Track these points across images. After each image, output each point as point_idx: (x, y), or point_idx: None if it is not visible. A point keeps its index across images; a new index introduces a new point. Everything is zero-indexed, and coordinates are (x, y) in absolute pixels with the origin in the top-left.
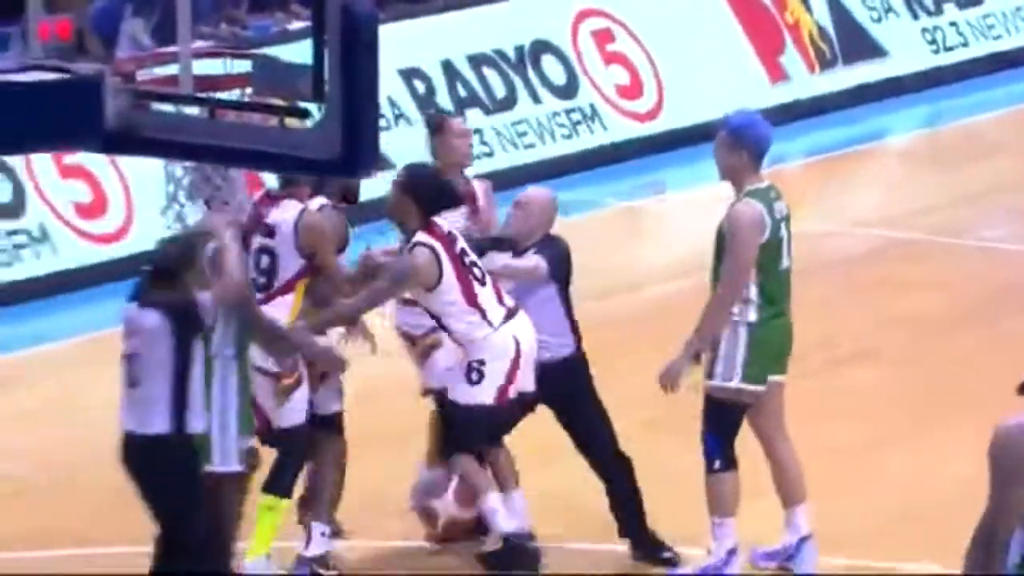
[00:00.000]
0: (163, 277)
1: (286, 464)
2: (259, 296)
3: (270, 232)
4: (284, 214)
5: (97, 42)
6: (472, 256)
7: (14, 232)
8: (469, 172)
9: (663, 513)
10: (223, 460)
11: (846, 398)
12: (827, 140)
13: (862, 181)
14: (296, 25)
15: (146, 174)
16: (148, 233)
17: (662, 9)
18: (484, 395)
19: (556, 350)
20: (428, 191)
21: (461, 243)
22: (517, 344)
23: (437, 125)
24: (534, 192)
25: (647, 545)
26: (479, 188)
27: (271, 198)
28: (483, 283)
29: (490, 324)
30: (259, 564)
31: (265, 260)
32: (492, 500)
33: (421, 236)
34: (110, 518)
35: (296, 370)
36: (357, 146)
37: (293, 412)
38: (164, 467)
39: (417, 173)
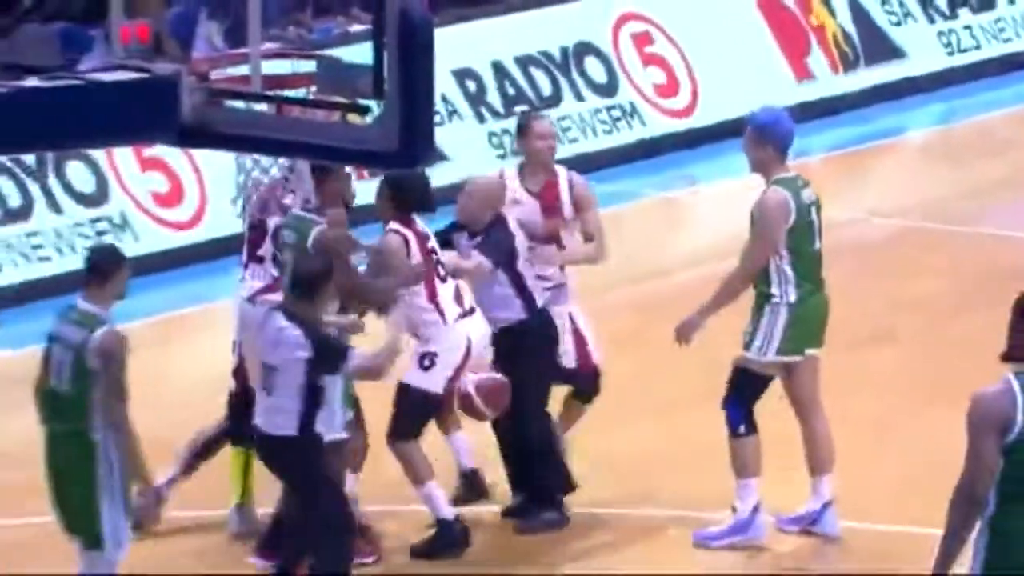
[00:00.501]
0: (305, 292)
1: None
2: (270, 282)
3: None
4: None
5: (174, 44)
6: (439, 257)
7: (97, 219)
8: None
9: (688, 480)
10: (329, 429)
11: (864, 375)
12: (848, 135)
13: (880, 174)
14: (357, 28)
15: (219, 166)
16: (220, 221)
17: (697, 14)
18: (432, 383)
19: (504, 322)
20: (406, 192)
21: (433, 243)
22: (468, 342)
23: (522, 126)
24: (479, 178)
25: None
26: (565, 181)
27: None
28: (444, 281)
29: (444, 319)
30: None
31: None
32: (430, 487)
33: (395, 225)
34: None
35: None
36: (413, 140)
37: None
38: (290, 463)
39: (399, 175)
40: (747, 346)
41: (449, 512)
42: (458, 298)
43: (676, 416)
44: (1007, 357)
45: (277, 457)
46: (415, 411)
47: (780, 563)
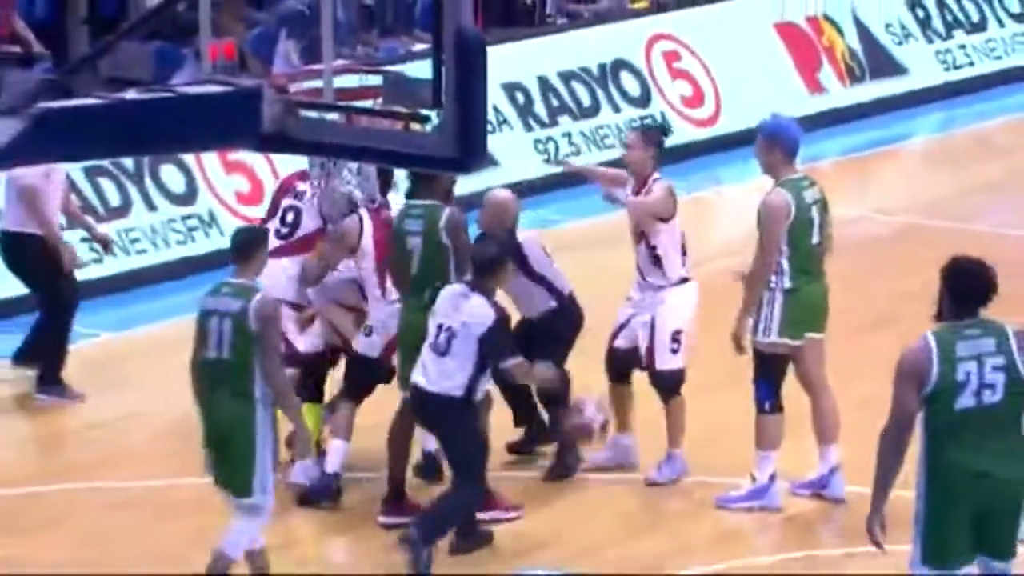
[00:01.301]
0: (487, 273)
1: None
2: (280, 243)
3: (298, 196)
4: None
5: (256, 61)
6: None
7: (188, 217)
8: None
9: (711, 453)
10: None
11: (868, 358)
12: (856, 142)
13: (885, 176)
14: (418, 47)
15: (294, 168)
16: None
17: (720, 34)
18: (374, 350)
19: (541, 312)
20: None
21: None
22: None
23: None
24: (494, 192)
25: None
26: (657, 187)
27: (301, 175)
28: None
29: (385, 296)
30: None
31: (291, 216)
32: (336, 444)
33: (362, 211)
34: None
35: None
36: (468, 147)
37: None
38: (450, 421)
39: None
40: (754, 330)
41: (336, 468)
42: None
43: (701, 399)
44: (937, 318)
45: (438, 414)
46: (359, 375)
47: (793, 522)
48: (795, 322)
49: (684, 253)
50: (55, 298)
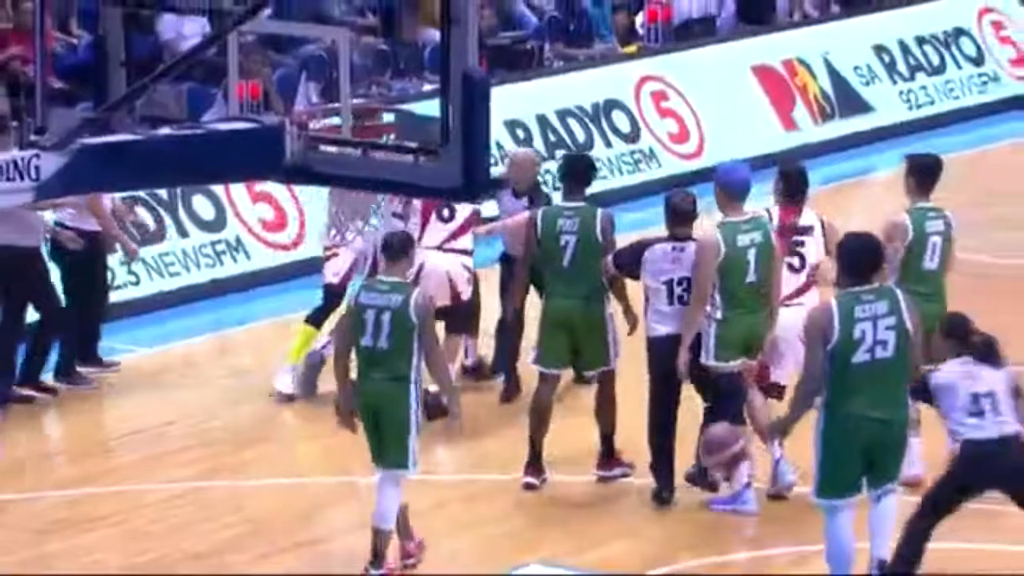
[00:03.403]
0: (688, 219)
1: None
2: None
3: None
4: None
5: (280, 100)
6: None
7: (217, 242)
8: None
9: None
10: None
11: None
12: (828, 174)
13: (855, 205)
14: (428, 87)
15: (316, 198)
16: (316, 244)
17: (703, 76)
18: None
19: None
20: None
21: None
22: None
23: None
24: (517, 150)
25: None
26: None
27: None
28: None
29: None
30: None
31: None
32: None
33: None
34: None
35: None
36: (473, 178)
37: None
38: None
39: None
40: (698, 354)
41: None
42: None
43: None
44: (836, 286)
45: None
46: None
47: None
48: (724, 348)
49: None
50: (52, 306)
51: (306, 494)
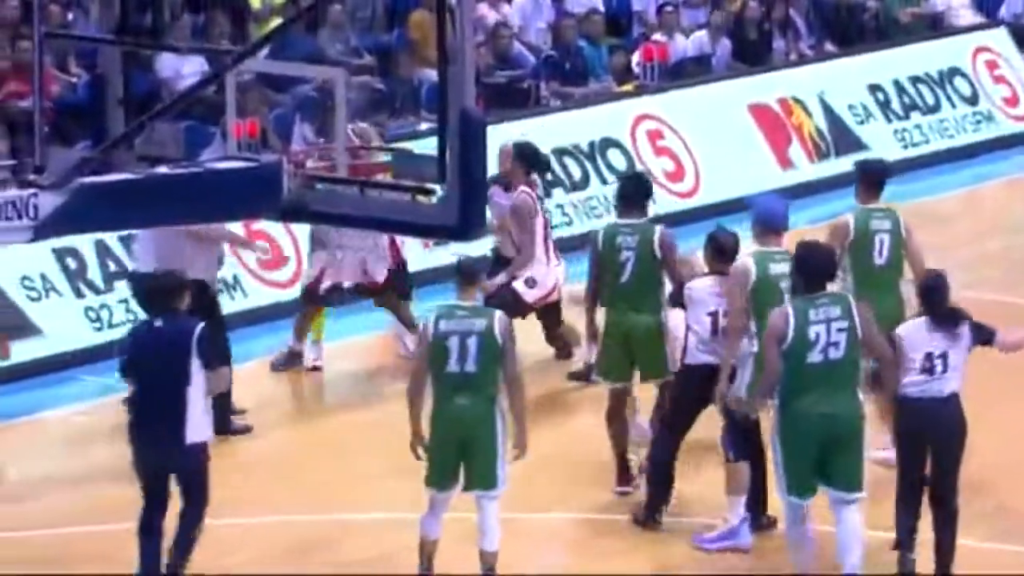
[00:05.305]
0: (726, 258)
1: None
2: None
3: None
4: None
5: (276, 139)
6: None
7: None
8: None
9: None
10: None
11: None
12: (823, 212)
13: None
14: (424, 126)
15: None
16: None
17: (699, 115)
18: (529, 296)
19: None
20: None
21: None
22: None
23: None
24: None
25: None
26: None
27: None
28: None
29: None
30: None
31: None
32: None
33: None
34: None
35: None
36: (469, 216)
37: None
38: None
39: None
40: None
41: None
42: None
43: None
44: (792, 292)
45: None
46: (512, 307)
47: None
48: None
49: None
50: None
51: (293, 533)
